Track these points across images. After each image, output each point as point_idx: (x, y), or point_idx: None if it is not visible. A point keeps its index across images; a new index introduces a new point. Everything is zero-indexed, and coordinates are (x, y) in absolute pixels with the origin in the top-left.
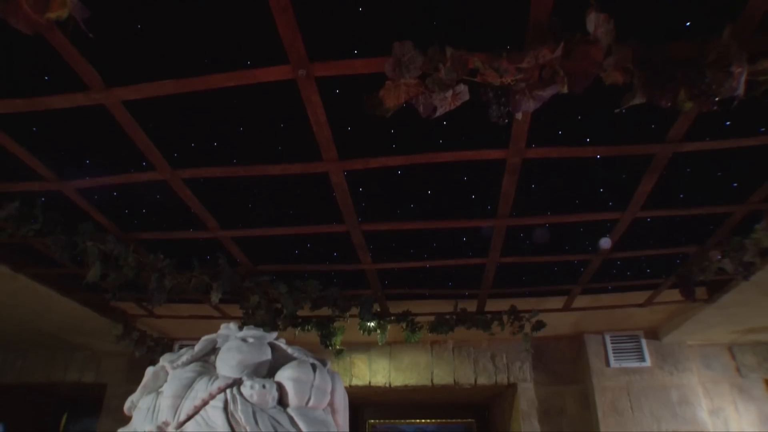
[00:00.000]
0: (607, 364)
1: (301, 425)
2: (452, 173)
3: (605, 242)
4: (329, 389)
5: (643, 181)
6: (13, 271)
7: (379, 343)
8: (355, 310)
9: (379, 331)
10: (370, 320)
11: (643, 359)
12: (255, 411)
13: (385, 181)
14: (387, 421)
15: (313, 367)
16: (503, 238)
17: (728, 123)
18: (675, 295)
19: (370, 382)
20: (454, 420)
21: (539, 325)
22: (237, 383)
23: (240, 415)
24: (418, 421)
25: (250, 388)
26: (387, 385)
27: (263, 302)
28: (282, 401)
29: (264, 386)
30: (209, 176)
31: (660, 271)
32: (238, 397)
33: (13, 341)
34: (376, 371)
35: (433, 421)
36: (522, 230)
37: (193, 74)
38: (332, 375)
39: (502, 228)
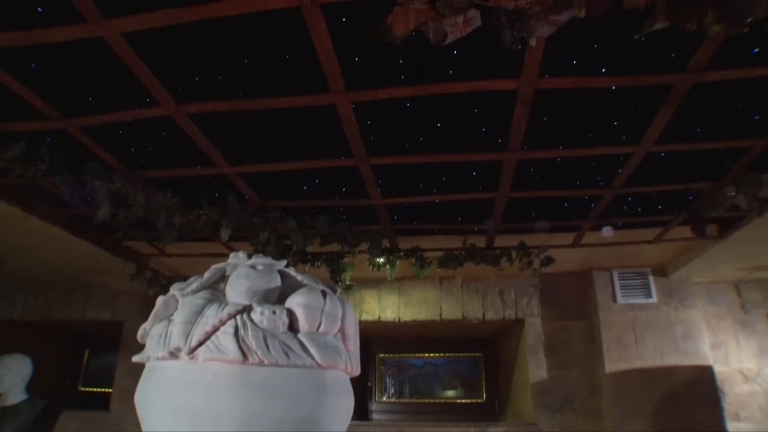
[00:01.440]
0: (614, 300)
1: (312, 350)
2: (463, 105)
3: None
4: (339, 315)
5: (660, 114)
6: (26, 213)
7: (389, 279)
8: (364, 246)
9: (388, 266)
10: (380, 256)
11: (649, 296)
12: (266, 336)
13: (394, 112)
14: (396, 355)
15: (323, 293)
16: (513, 173)
17: (756, 50)
18: (685, 232)
19: (379, 318)
20: (462, 354)
21: (548, 261)
22: (247, 309)
23: (251, 340)
24: (426, 355)
25: (260, 314)
26: (396, 320)
27: (273, 239)
28: (292, 327)
29: (274, 312)
30: (215, 111)
31: (671, 208)
32: (248, 322)
33: (32, 281)
34: (385, 306)
35: (441, 355)
36: (533, 164)
37: (193, 3)
38: (342, 301)
39: (512, 161)
